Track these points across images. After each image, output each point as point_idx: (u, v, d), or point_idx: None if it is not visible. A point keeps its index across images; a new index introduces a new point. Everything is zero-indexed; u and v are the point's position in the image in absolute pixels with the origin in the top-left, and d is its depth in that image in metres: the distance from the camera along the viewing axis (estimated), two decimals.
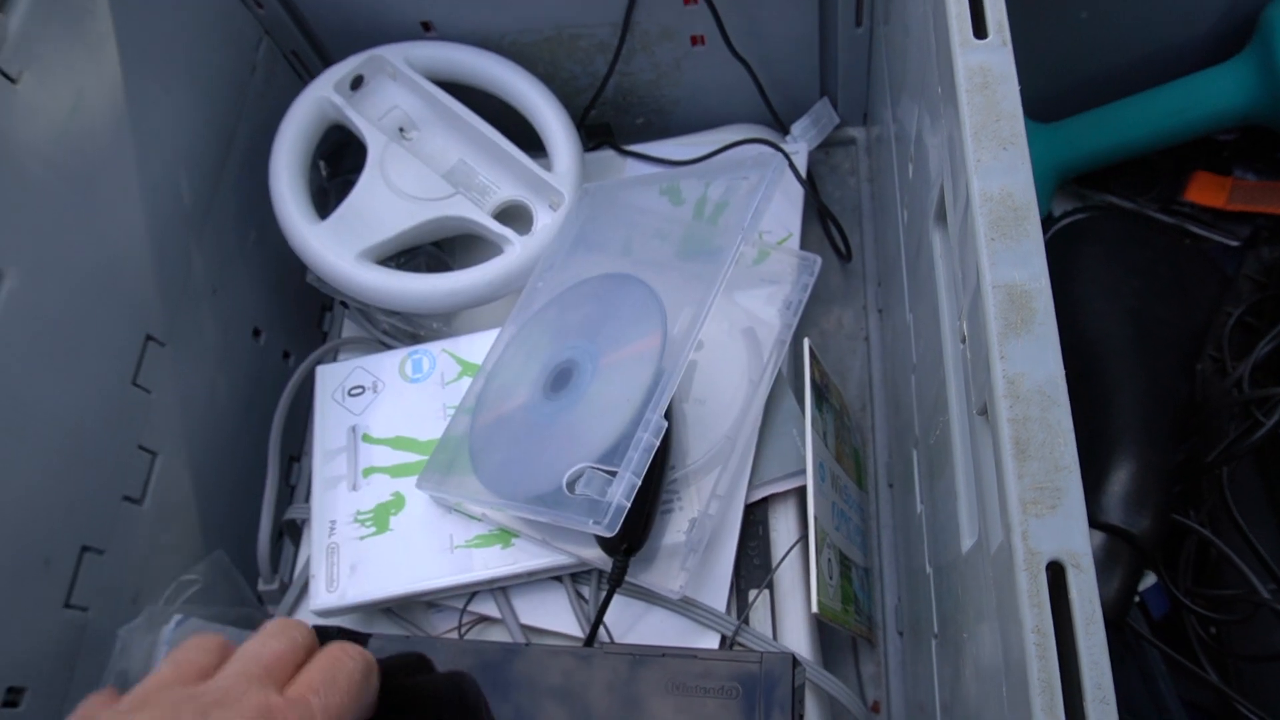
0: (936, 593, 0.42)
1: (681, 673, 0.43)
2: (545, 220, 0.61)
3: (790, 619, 0.53)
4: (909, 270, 0.48)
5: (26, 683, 0.45)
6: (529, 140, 0.63)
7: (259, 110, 0.64)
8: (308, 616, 0.55)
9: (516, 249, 0.59)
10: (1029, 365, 0.27)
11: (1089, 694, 0.23)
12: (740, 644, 0.51)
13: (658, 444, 0.44)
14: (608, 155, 0.69)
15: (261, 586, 0.60)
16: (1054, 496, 0.25)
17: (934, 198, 0.37)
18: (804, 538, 0.54)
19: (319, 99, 0.62)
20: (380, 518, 0.54)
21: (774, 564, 0.54)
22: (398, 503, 0.54)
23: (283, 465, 0.65)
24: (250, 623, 0.62)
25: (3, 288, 0.45)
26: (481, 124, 0.62)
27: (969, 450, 0.33)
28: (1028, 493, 0.26)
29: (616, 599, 0.53)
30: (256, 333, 0.65)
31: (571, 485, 0.45)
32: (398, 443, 0.56)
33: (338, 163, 0.68)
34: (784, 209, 0.64)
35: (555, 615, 0.53)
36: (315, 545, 0.54)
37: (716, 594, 0.52)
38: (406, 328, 0.62)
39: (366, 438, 0.56)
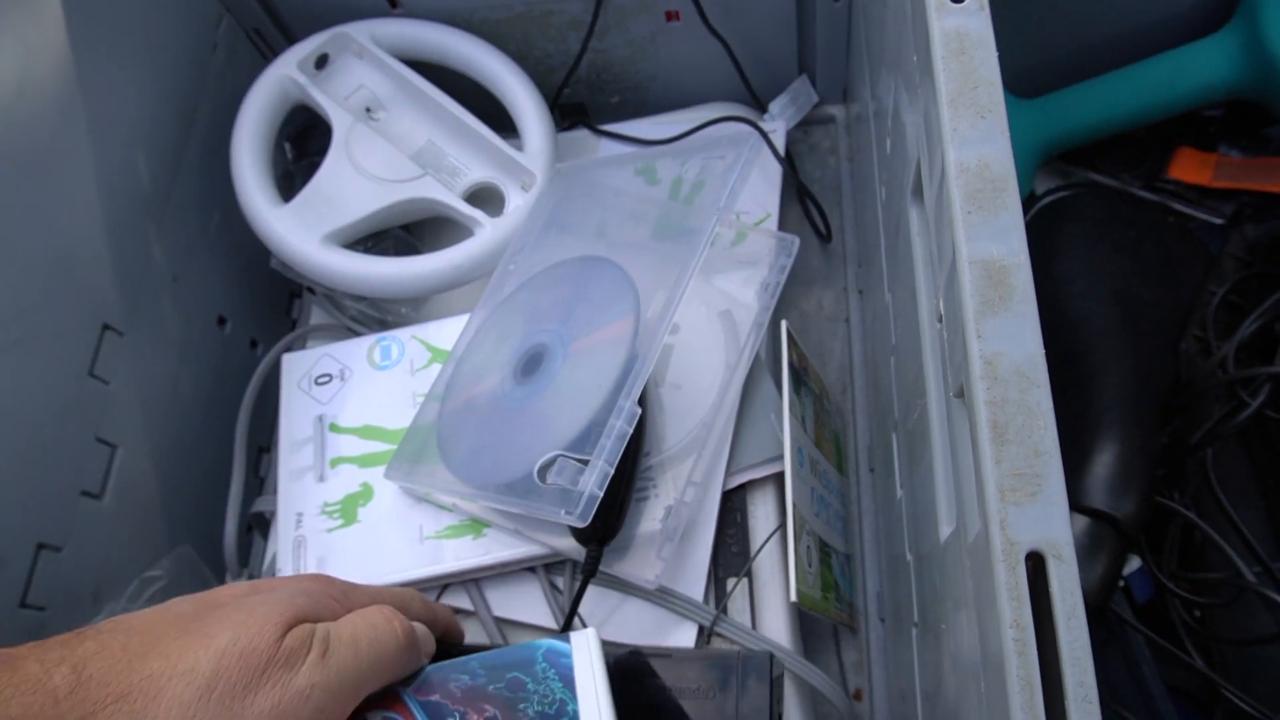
0: (917, 580, 0.41)
1: (655, 672, 0.42)
2: (517, 202, 0.59)
3: (770, 608, 0.52)
4: (888, 250, 0.47)
5: None
6: (500, 121, 0.61)
7: (220, 90, 0.62)
8: None
9: (487, 231, 0.57)
10: (1007, 344, 0.26)
11: (1070, 692, 0.22)
12: (718, 634, 0.50)
13: (630, 431, 0.43)
14: (582, 135, 0.67)
15: (230, 582, 0.59)
16: (1033, 483, 0.24)
17: (911, 172, 0.36)
18: (782, 525, 0.53)
19: (282, 78, 0.60)
20: (348, 509, 0.52)
21: (752, 551, 0.53)
22: (366, 493, 0.53)
23: (250, 457, 0.63)
24: None
25: None
26: (451, 104, 0.60)
27: (947, 435, 0.32)
28: (1006, 479, 0.24)
29: (592, 589, 0.51)
30: (221, 321, 0.63)
31: (543, 474, 0.43)
32: (366, 432, 0.54)
33: (303, 145, 0.66)
34: (762, 189, 0.63)
35: (529, 607, 0.52)
36: (281, 538, 0.52)
37: (694, 583, 0.51)
38: (374, 314, 0.60)
39: (334, 427, 0.55)
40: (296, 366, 0.57)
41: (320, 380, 0.56)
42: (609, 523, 0.48)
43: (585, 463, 0.42)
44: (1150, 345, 0.50)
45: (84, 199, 0.52)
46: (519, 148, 0.60)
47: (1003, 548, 0.24)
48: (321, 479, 0.53)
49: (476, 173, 0.60)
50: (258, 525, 0.60)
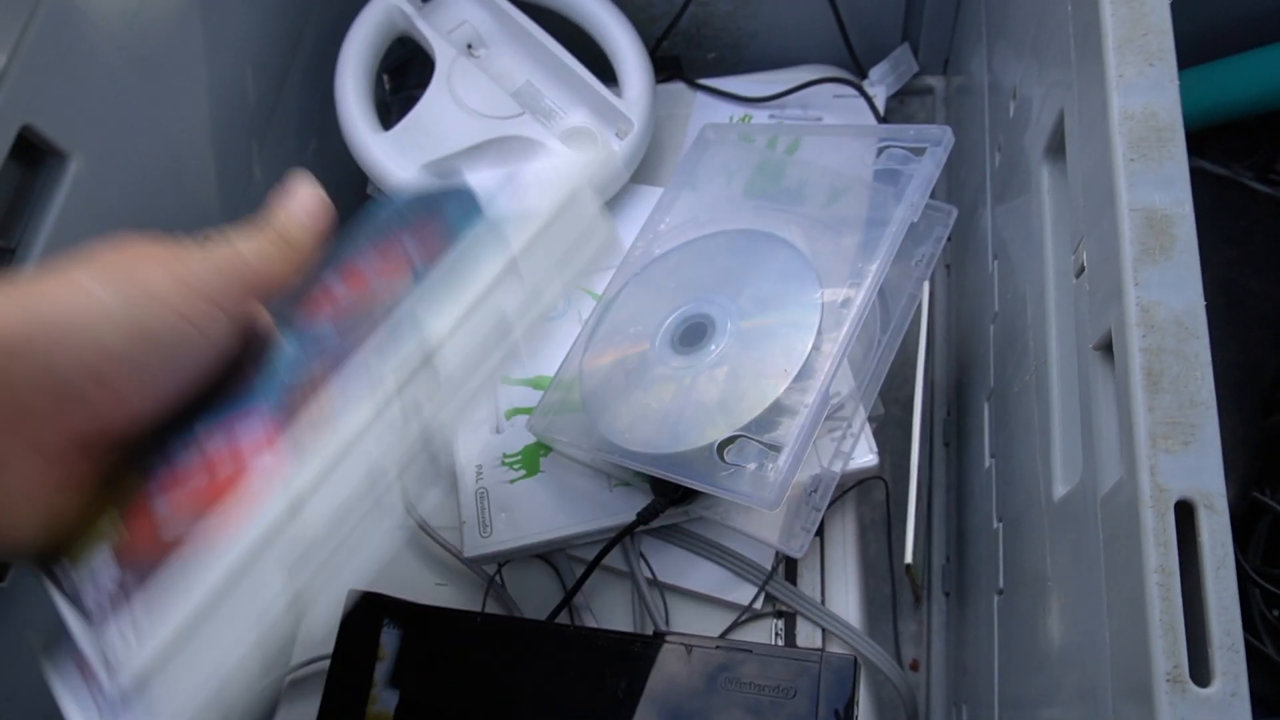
0: (1006, 546, 0.41)
1: (735, 666, 0.42)
2: (613, 149, 0.59)
3: (838, 573, 0.52)
4: (998, 217, 0.46)
5: None
6: (599, 69, 0.61)
7: (327, 14, 0.62)
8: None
9: None
10: (1166, 294, 0.25)
11: (1216, 640, 0.22)
12: (774, 598, 0.50)
13: (822, 420, 0.43)
14: (678, 88, 0.67)
15: None
16: (1187, 432, 0.24)
17: (1047, 132, 0.35)
18: (881, 484, 0.52)
19: (389, 7, 0.60)
20: (529, 460, 0.52)
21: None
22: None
23: None
24: None
25: (69, 172, 0.44)
26: (553, 44, 0.60)
27: (1075, 390, 0.31)
28: (1158, 427, 0.24)
29: (657, 539, 0.51)
30: None
31: (721, 451, 0.44)
32: (539, 383, 0.54)
33: (401, 78, 0.66)
34: (858, 155, 0.62)
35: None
36: (464, 491, 0.52)
37: (765, 533, 0.51)
38: None
39: (505, 379, 0.54)
40: None
41: None
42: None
43: (773, 448, 0.43)
44: (1254, 336, 0.49)
45: (195, 110, 0.52)
46: (617, 95, 0.60)
47: (1151, 495, 0.23)
48: (498, 431, 0.53)
49: (574, 116, 0.60)
50: None
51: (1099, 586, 0.26)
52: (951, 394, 0.59)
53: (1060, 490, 0.32)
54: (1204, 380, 0.24)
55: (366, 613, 0.48)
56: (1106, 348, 0.27)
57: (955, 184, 0.61)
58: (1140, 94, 0.27)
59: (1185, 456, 0.23)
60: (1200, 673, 0.22)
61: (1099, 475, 0.27)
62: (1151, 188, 0.26)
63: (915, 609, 0.58)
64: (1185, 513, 0.23)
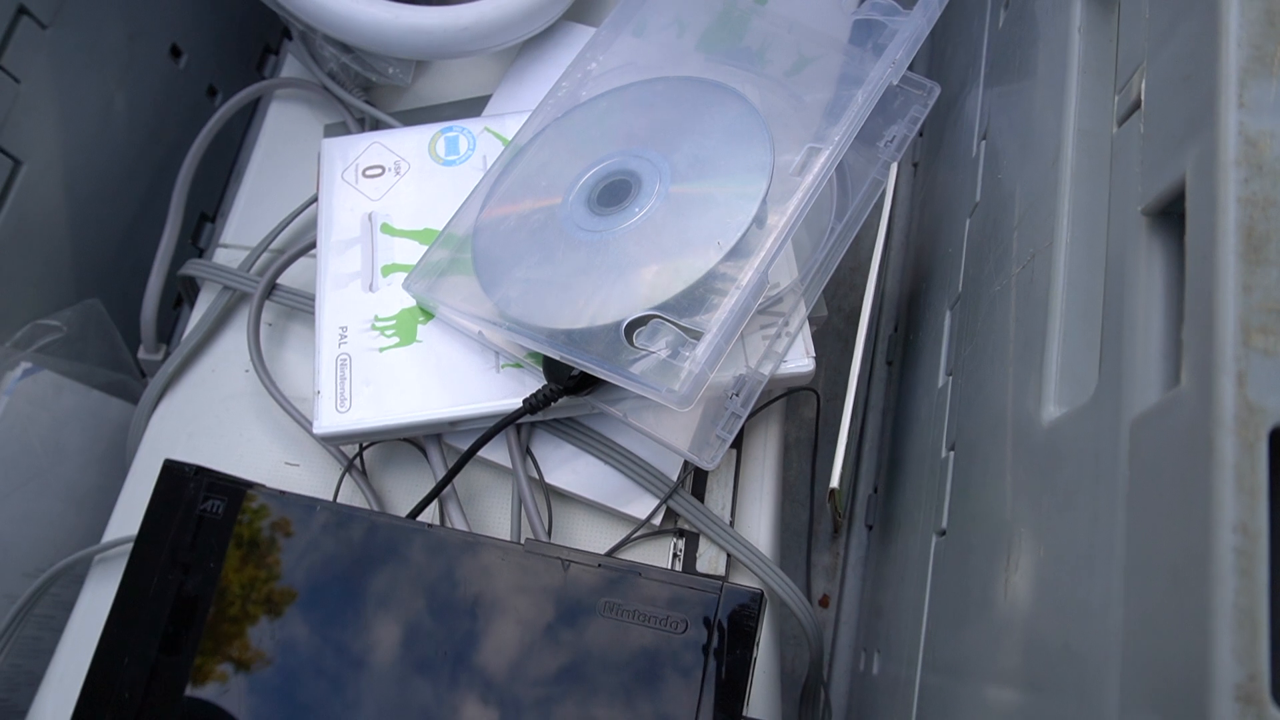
0: (956, 480, 0.33)
1: (618, 590, 0.34)
2: None
3: (753, 493, 0.43)
4: (989, 96, 0.37)
5: None
6: None
7: None
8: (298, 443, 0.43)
9: None
10: None
11: None
12: (676, 514, 0.42)
13: (755, 308, 0.34)
14: None
15: (143, 354, 0.49)
16: None
17: None
18: (813, 394, 0.44)
19: None
20: (405, 326, 0.42)
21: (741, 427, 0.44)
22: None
23: (190, 218, 0.53)
24: (125, 392, 0.51)
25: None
26: None
27: (1095, 278, 0.22)
28: (1255, 316, 0.15)
29: (544, 436, 0.43)
30: (176, 53, 0.51)
31: (629, 333, 0.35)
32: (427, 236, 0.43)
33: None
34: (833, 18, 0.52)
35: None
36: (323, 355, 0.41)
37: (674, 438, 0.42)
38: (358, 69, 0.49)
39: (387, 228, 0.44)
40: (339, 154, 0.45)
41: (370, 172, 0.45)
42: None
43: (692, 333, 0.33)
44: None
45: None
46: None
47: (1236, 415, 0.15)
48: (371, 288, 0.43)
49: None
50: (188, 293, 0.50)
51: (1111, 543, 0.18)
52: (901, 307, 0.51)
53: (1053, 412, 0.23)
54: None
55: (181, 486, 0.38)
56: (1166, 210, 0.19)
57: (937, 62, 0.52)
58: None
59: None
60: None
61: (1128, 389, 0.19)
62: None
63: (832, 540, 0.51)
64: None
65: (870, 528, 0.49)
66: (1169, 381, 0.18)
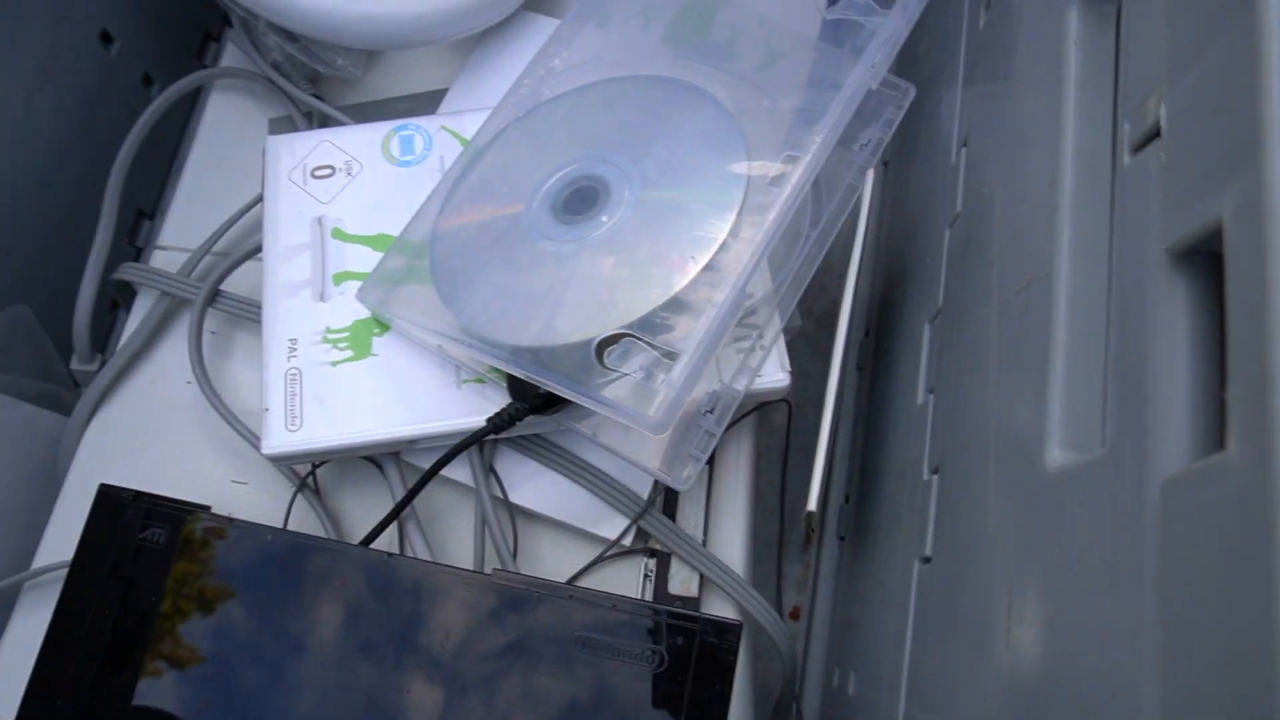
0: (941, 506, 0.31)
1: (591, 623, 0.32)
2: None
3: (726, 510, 0.42)
4: (969, 99, 0.35)
5: None
6: None
7: None
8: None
9: None
10: None
11: None
12: (647, 532, 0.40)
13: (733, 325, 0.33)
14: None
15: (76, 364, 0.46)
16: None
17: None
18: (785, 406, 0.42)
19: None
20: (359, 338, 0.39)
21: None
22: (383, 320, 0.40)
23: (126, 218, 0.50)
24: (57, 404, 0.48)
25: None
26: None
27: (1102, 317, 0.21)
28: None
29: (509, 452, 0.40)
30: (107, 38, 0.48)
31: (601, 353, 0.32)
32: (381, 242, 0.41)
33: None
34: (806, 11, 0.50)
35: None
36: (270, 369, 0.38)
37: (645, 457, 0.40)
38: (304, 59, 0.45)
39: (338, 234, 0.41)
40: (285, 152, 0.42)
41: (319, 173, 0.42)
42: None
43: (667, 354, 0.32)
44: None
45: None
46: None
47: None
48: (322, 297, 0.40)
49: None
50: (124, 298, 0.47)
51: (1139, 616, 0.17)
52: (873, 311, 0.50)
53: (1059, 458, 0.22)
54: None
55: (118, 514, 0.35)
56: (1195, 250, 0.17)
57: (907, 58, 0.50)
58: None
59: None
60: None
61: (1153, 447, 0.17)
62: None
63: (802, 551, 0.49)
64: None
65: (842, 539, 0.48)
66: (1206, 442, 0.16)
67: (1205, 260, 0.17)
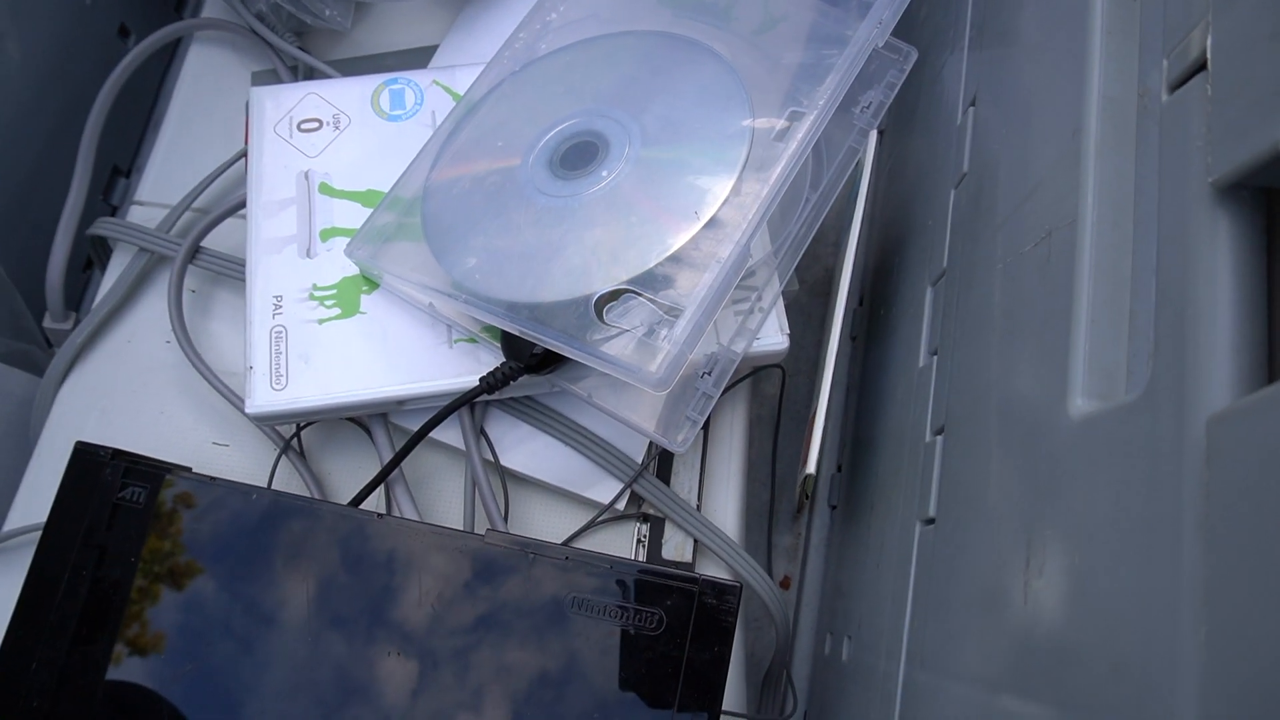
0: (945, 466, 0.31)
1: (589, 584, 0.31)
2: None
3: (720, 475, 0.41)
4: (974, 62, 0.35)
5: None
6: None
7: None
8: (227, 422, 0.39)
9: None
10: None
11: None
12: (641, 496, 0.39)
13: (736, 283, 0.31)
14: None
15: (49, 323, 0.44)
16: None
17: None
18: (779, 371, 0.41)
19: None
20: (347, 296, 0.37)
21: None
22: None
23: (101, 173, 0.48)
24: (29, 363, 0.46)
25: None
26: None
27: (1136, 259, 0.20)
28: None
29: (500, 416, 0.39)
30: None
31: (599, 309, 0.31)
32: (370, 198, 0.39)
33: None
34: None
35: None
36: (255, 327, 0.37)
37: (641, 419, 0.40)
38: (292, 10, 0.44)
39: (325, 189, 0.39)
40: (270, 104, 0.40)
41: (305, 126, 0.40)
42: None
43: (670, 310, 0.31)
44: None
45: None
46: None
47: None
48: (309, 254, 0.38)
49: None
50: (99, 256, 0.45)
51: (1179, 555, 0.16)
52: (867, 280, 0.49)
53: (1084, 406, 0.21)
54: None
55: (95, 472, 0.34)
56: (1241, 184, 0.16)
57: (906, 22, 0.49)
58: None
59: None
60: None
61: (1195, 385, 0.17)
62: None
63: (793, 520, 0.49)
64: None
65: (834, 508, 0.47)
66: (1254, 377, 0.16)
67: (1251, 195, 0.17)
